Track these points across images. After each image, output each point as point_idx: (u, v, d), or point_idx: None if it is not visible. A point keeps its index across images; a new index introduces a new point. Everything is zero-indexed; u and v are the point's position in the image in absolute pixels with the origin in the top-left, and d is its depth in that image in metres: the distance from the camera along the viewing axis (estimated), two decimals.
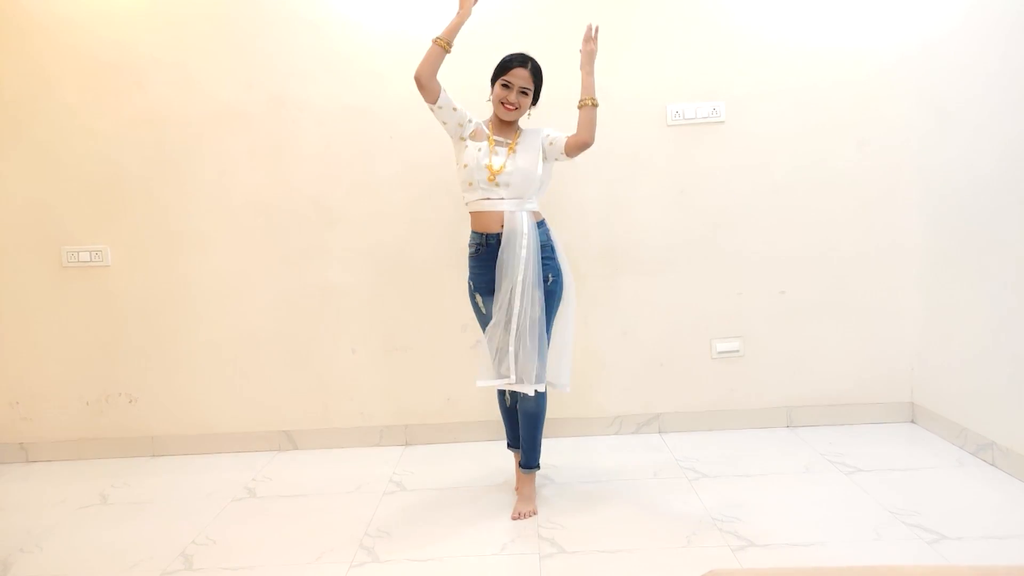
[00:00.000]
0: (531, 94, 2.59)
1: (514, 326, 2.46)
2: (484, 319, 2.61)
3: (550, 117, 2.86)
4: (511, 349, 2.47)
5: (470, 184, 2.57)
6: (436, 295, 3.36)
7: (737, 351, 3.37)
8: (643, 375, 3.38)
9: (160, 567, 2.34)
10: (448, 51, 2.52)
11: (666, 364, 3.39)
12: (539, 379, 2.50)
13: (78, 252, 3.34)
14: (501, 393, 2.73)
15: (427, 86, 2.50)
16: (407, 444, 3.42)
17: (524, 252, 2.47)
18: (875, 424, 3.35)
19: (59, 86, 3.29)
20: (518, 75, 2.54)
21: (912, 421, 3.37)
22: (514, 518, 2.57)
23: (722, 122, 3.29)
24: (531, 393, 2.52)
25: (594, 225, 3.32)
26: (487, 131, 2.62)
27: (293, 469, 3.18)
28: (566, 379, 2.68)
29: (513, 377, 2.48)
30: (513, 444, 2.81)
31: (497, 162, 2.53)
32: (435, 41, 2.51)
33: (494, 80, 2.60)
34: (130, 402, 3.42)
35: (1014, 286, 2.66)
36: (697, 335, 3.38)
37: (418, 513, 2.66)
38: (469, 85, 3.25)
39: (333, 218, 3.35)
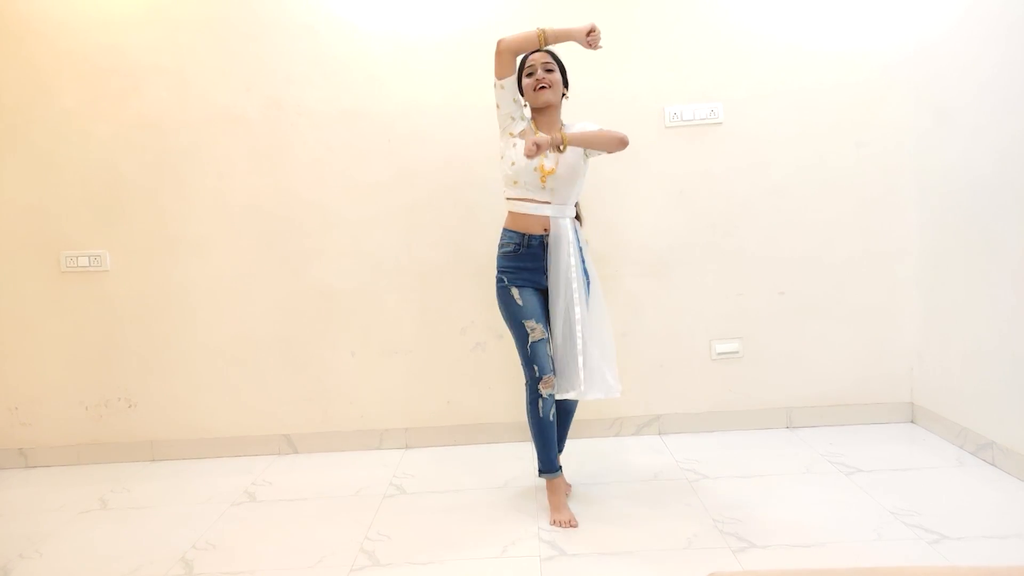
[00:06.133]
0: (555, 69, 2.59)
1: (579, 336, 2.50)
2: (521, 311, 2.56)
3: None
4: (580, 359, 2.50)
5: (515, 183, 2.58)
6: (435, 298, 3.36)
7: (737, 352, 3.37)
8: (643, 376, 3.38)
9: (160, 572, 2.34)
10: (542, 46, 2.53)
11: (666, 365, 3.39)
12: (610, 388, 2.58)
13: (77, 257, 3.34)
14: (534, 404, 2.52)
15: (505, 57, 2.52)
16: (407, 447, 3.42)
17: (573, 260, 2.52)
18: (875, 424, 3.35)
19: (57, 91, 3.29)
20: (535, 58, 2.59)
21: (912, 421, 3.37)
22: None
23: (720, 123, 3.29)
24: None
25: (593, 226, 3.31)
26: (534, 131, 2.60)
27: (293, 473, 3.18)
28: (616, 384, 2.64)
29: (584, 387, 2.50)
30: (549, 470, 2.59)
31: (548, 164, 2.54)
32: (539, 29, 2.51)
33: (520, 83, 2.63)
34: (129, 407, 3.41)
35: (1013, 285, 2.66)
36: (697, 336, 3.38)
37: (418, 516, 2.66)
38: (468, 88, 3.27)
39: (331, 221, 3.35)
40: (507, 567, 2.25)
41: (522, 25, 3.21)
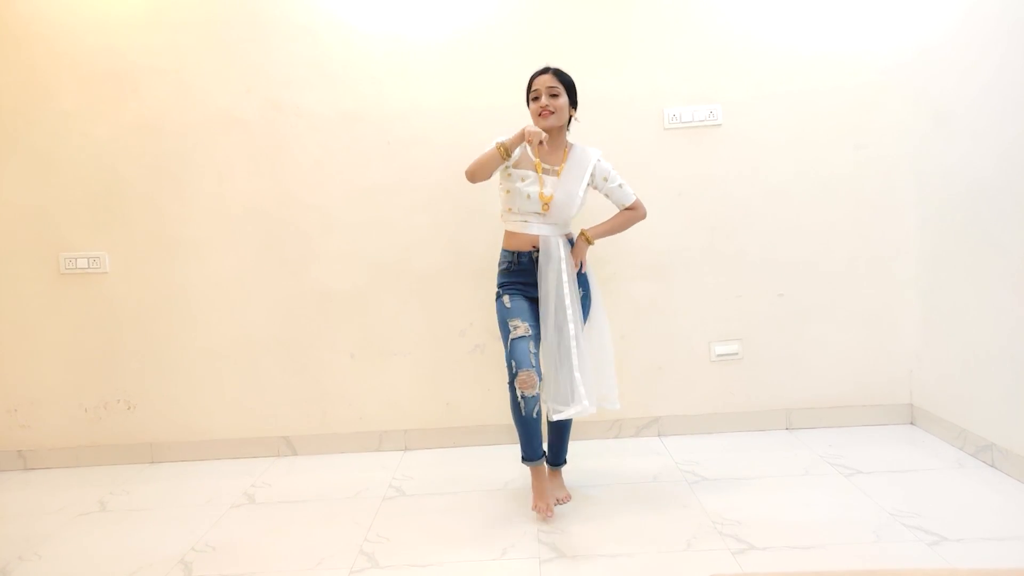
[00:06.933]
0: (561, 94, 2.59)
1: (574, 353, 2.51)
2: (507, 312, 2.59)
3: None
4: (577, 375, 2.50)
5: (510, 210, 2.62)
6: (434, 300, 3.36)
7: (736, 354, 3.37)
8: (642, 378, 3.38)
9: (159, 574, 2.33)
10: (507, 160, 2.51)
11: (665, 367, 3.39)
12: (606, 398, 2.67)
13: (76, 259, 3.34)
14: (516, 403, 2.54)
15: (477, 180, 2.54)
16: (406, 449, 3.41)
17: (565, 276, 2.54)
18: (874, 426, 3.35)
19: (56, 93, 3.29)
20: (541, 81, 2.59)
21: (911, 423, 3.36)
22: (559, 502, 2.68)
23: (719, 125, 3.29)
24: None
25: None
26: (533, 157, 2.60)
27: (292, 475, 3.18)
28: (614, 396, 2.70)
29: (587, 402, 2.50)
30: (531, 457, 2.60)
31: (547, 191, 2.56)
32: (497, 146, 2.49)
33: (528, 103, 2.65)
34: (128, 409, 3.41)
35: (1013, 288, 2.67)
36: (696, 338, 3.38)
37: (418, 518, 2.66)
38: (467, 90, 3.27)
39: (331, 224, 3.35)
40: (506, 569, 2.25)
41: (521, 25, 3.24)
